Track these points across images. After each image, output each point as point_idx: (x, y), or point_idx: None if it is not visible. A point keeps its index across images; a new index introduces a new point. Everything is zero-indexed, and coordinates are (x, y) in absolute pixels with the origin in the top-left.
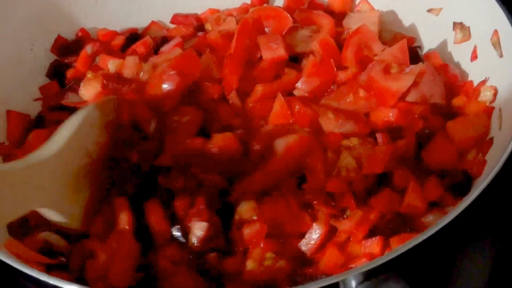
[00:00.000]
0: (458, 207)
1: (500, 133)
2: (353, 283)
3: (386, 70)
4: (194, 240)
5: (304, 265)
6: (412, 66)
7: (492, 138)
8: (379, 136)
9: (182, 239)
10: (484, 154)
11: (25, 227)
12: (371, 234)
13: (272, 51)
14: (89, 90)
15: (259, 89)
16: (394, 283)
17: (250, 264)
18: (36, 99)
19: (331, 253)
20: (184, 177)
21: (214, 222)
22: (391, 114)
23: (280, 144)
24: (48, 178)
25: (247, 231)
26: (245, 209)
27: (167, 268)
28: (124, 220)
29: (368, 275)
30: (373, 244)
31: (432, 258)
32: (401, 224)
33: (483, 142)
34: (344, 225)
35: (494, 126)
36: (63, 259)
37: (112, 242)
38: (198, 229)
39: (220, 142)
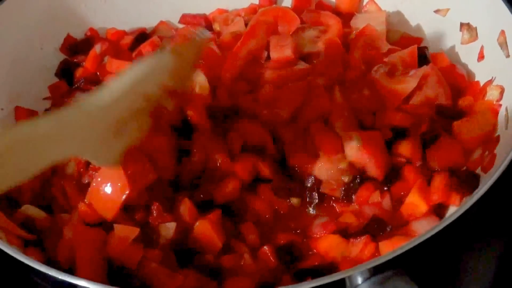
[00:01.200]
0: (465, 204)
1: (506, 132)
2: (359, 280)
3: (391, 72)
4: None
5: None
6: (417, 69)
7: (498, 136)
8: None
9: None
10: (491, 152)
11: (12, 203)
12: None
13: (280, 51)
14: None
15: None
16: (400, 280)
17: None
18: (44, 98)
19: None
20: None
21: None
22: (397, 117)
23: None
24: (91, 130)
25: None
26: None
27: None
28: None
29: (374, 272)
30: (360, 244)
31: (439, 256)
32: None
33: (490, 141)
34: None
35: (501, 125)
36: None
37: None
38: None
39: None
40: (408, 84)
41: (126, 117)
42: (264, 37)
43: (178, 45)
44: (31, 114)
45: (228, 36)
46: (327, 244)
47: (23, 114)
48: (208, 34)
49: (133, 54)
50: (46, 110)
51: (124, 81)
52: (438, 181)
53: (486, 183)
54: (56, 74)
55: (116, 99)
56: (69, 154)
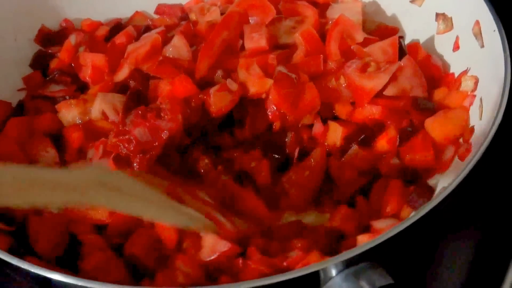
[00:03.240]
0: (439, 195)
1: (480, 123)
2: (333, 272)
3: (363, 68)
4: None
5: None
6: (390, 65)
7: (473, 127)
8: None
9: None
10: (466, 142)
11: None
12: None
13: (254, 41)
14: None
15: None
16: (375, 272)
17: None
18: (19, 89)
19: None
20: None
21: None
22: (374, 111)
23: None
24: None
25: None
26: None
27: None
28: None
29: (348, 264)
30: None
31: (413, 247)
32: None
33: (464, 132)
34: None
35: (475, 116)
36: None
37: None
38: None
39: None
40: (379, 80)
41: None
42: (238, 27)
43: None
44: (5, 106)
45: (204, 26)
46: None
47: None
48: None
49: (108, 45)
50: (20, 101)
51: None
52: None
53: (462, 172)
54: (31, 65)
55: None
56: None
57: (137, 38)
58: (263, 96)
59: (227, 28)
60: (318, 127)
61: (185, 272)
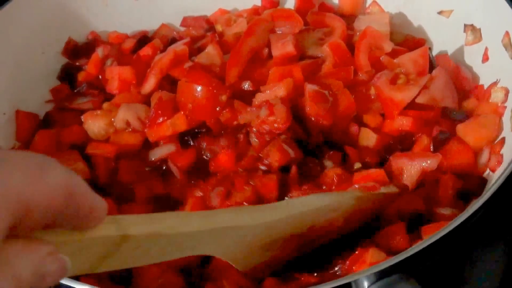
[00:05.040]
0: (471, 208)
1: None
2: (365, 284)
3: (393, 80)
4: None
5: None
6: (420, 78)
7: (504, 138)
8: None
9: None
10: (497, 153)
11: None
12: None
13: (281, 47)
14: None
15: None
16: (407, 283)
17: None
18: (47, 101)
19: None
20: None
21: None
22: (404, 122)
23: None
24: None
25: None
26: None
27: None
28: None
29: (381, 276)
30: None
31: (446, 258)
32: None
33: (496, 143)
34: None
35: (506, 127)
36: None
37: None
38: None
39: None
40: (409, 92)
41: (283, 237)
42: (264, 35)
43: (365, 193)
44: (32, 118)
45: (231, 37)
46: None
47: (23, 117)
48: (394, 189)
49: (134, 58)
50: (47, 113)
51: (307, 204)
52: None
53: (493, 185)
54: (58, 78)
55: (290, 217)
56: (206, 253)
57: (163, 50)
58: None
59: (253, 35)
60: (354, 130)
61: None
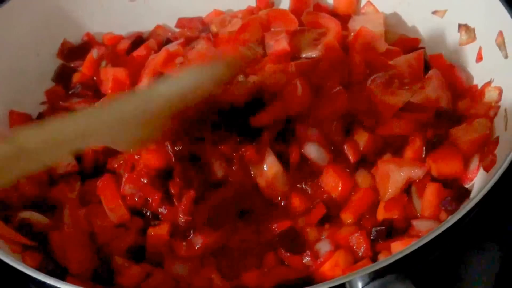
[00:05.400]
0: (464, 208)
1: (505, 133)
2: (360, 284)
3: (387, 83)
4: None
5: None
6: (413, 84)
7: (497, 138)
8: None
9: None
10: (492, 153)
11: (5, 207)
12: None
13: (276, 44)
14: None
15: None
16: (401, 284)
17: None
18: (42, 103)
19: None
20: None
21: None
22: (398, 124)
23: None
24: (127, 120)
25: None
26: None
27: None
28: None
29: (375, 276)
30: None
31: (440, 259)
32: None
33: (488, 144)
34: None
35: (500, 127)
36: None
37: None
38: None
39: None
40: (401, 97)
41: (160, 113)
42: (258, 32)
43: (231, 57)
44: (25, 118)
45: (225, 35)
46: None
47: (17, 118)
48: (260, 50)
49: (128, 58)
50: (40, 113)
51: (178, 82)
52: (430, 194)
53: (486, 185)
54: (53, 79)
55: (165, 96)
56: (93, 143)
57: (157, 51)
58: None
59: (247, 31)
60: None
61: None
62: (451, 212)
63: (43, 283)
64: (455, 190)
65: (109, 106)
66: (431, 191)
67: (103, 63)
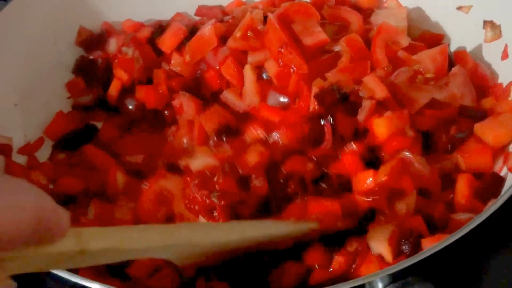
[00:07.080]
0: (488, 210)
1: None
2: (380, 285)
3: (411, 79)
4: None
5: None
6: (439, 79)
7: None
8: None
9: None
10: None
11: None
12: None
13: (314, 35)
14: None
15: None
16: (422, 286)
17: None
18: (68, 97)
19: None
20: None
21: None
22: (421, 121)
23: None
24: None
25: None
26: None
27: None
28: None
29: (395, 278)
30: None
31: (460, 261)
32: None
33: None
34: None
35: None
36: None
37: None
38: None
39: None
40: (426, 93)
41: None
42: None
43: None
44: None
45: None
46: None
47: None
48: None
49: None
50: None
51: (262, 231)
52: (462, 185)
53: (510, 188)
54: (73, 71)
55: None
56: (156, 257)
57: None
58: None
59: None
60: None
61: None
62: (486, 201)
63: (56, 276)
64: (488, 178)
65: (192, 229)
66: (463, 182)
67: (129, 51)
